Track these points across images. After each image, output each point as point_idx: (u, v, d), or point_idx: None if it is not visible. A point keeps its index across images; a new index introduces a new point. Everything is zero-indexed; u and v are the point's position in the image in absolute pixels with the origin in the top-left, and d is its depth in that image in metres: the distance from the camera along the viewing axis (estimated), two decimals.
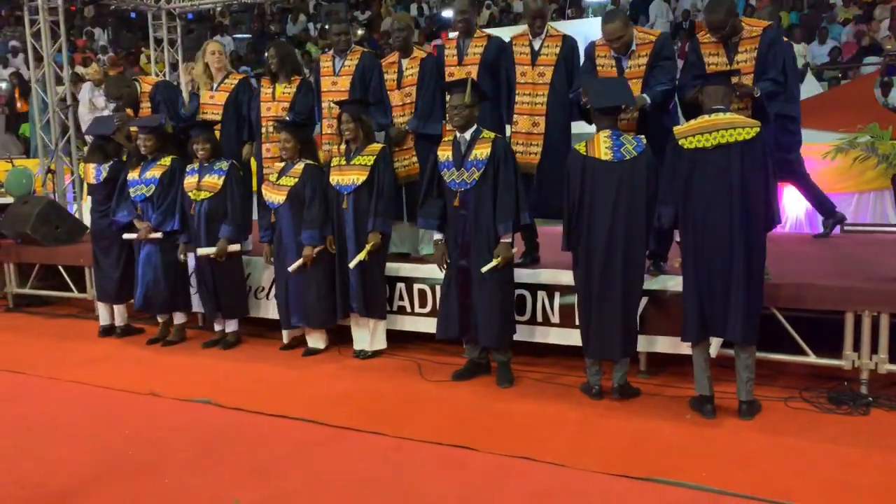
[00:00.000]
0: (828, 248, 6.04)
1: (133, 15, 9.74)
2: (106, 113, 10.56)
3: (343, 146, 5.37)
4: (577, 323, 4.77)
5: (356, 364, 5.39)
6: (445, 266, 4.88)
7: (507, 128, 5.45)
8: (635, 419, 4.21)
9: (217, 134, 6.02)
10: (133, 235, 5.90)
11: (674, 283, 4.77)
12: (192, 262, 5.98)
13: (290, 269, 5.44)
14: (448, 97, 4.84)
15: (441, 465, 3.67)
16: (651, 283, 4.78)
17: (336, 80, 5.78)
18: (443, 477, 3.56)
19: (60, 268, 7.23)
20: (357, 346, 5.56)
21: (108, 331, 6.39)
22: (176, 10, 9.94)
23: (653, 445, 3.86)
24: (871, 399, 4.35)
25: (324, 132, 5.84)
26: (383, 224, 5.26)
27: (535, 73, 5.13)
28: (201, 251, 5.62)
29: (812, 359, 4.61)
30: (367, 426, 4.15)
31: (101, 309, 6.43)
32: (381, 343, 5.52)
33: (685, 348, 4.72)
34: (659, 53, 4.79)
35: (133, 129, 6.14)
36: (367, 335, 5.51)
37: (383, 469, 3.66)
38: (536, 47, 5.15)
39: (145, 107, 6.40)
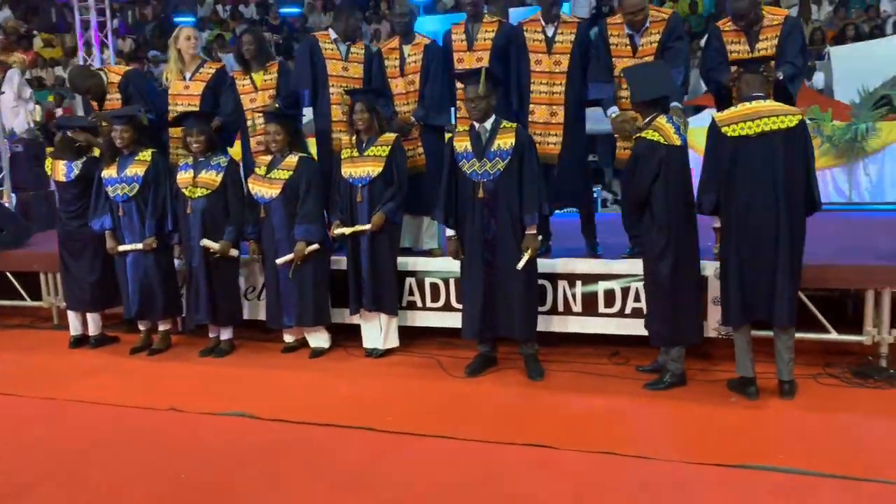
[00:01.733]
0: (810, 227, 6.29)
1: None
2: (32, 104, 9.78)
3: (352, 137, 5.14)
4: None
5: (373, 363, 5.21)
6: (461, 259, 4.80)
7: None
8: (686, 405, 4.24)
9: None
10: (133, 247, 5.41)
11: None
12: (177, 264, 5.68)
13: (278, 261, 5.19)
14: (462, 88, 4.73)
15: (531, 467, 3.57)
16: None
17: (347, 66, 5.54)
18: (540, 478, 3.46)
19: (9, 274, 6.59)
20: (367, 344, 5.36)
21: (80, 341, 5.89)
22: None
23: (718, 431, 3.90)
24: (892, 371, 4.58)
25: (334, 119, 5.57)
26: (395, 212, 5.10)
27: (552, 61, 5.05)
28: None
29: (834, 336, 4.81)
30: (430, 430, 3.99)
31: (73, 318, 5.90)
32: (393, 341, 5.35)
33: (709, 332, 4.88)
34: (672, 32, 4.85)
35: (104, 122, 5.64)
36: (378, 333, 5.32)
37: (473, 474, 3.53)
38: (550, 34, 5.07)
39: (114, 98, 5.87)
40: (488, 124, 4.65)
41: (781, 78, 4.59)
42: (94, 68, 6.26)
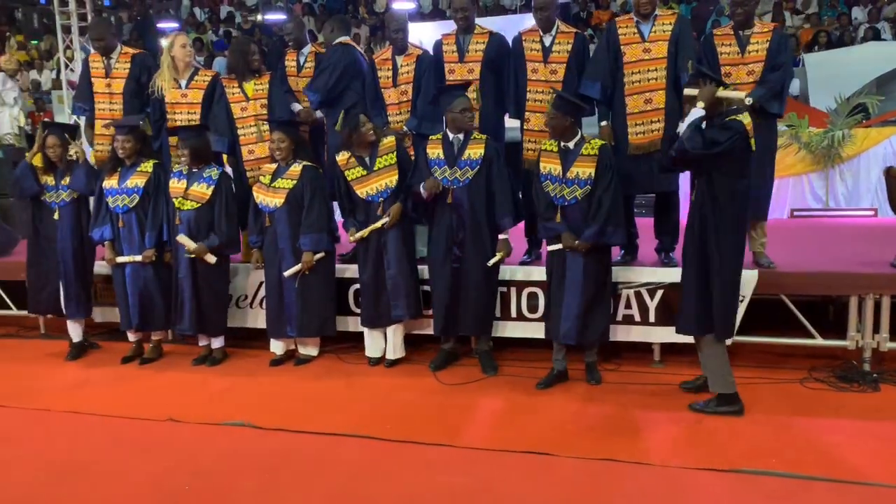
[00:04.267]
0: (791, 233, 6.47)
1: (43, 1, 8.82)
2: (17, 109, 9.67)
3: (349, 156, 5.15)
4: None
5: (367, 371, 5.25)
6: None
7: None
8: (672, 411, 4.33)
9: None
10: (131, 258, 5.38)
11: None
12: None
13: (286, 274, 5.20)
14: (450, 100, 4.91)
15: (528, 474, 3.63)
16: (671, 275, 4.95)
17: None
18: (537, 486, 3.53)
19: None
20: (371, 353, 5.37)
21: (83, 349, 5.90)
22: None
23: (710, 436, 4.00)
24: (876, 376, 4.72)
25: None
26: (406, 202, 5.15)
27: (548, 70, 5.13)
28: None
29: (819, 341, 4.93)
30: (427, 438, 4.05)
31: (74, 328, 5.85)
32: (401, 350, 5.35)
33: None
34: (683, 32, 4.93)
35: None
36: (382, 341, 5.35)
37: (471, 481, 3.59)
38: (547, 43, 5.15)
39: (122, 68, 5.95)
40: (461, 134, 4.93)
41: (750, 103, 4.68)
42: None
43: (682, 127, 4.10)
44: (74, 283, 5.64)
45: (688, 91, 4.16)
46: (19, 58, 15.10)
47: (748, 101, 4.64)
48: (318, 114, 5.87)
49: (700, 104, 4.04)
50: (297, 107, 5.83)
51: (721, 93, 4.09)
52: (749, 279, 4.79)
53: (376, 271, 5.16)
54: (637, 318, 5.02)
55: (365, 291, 5.25)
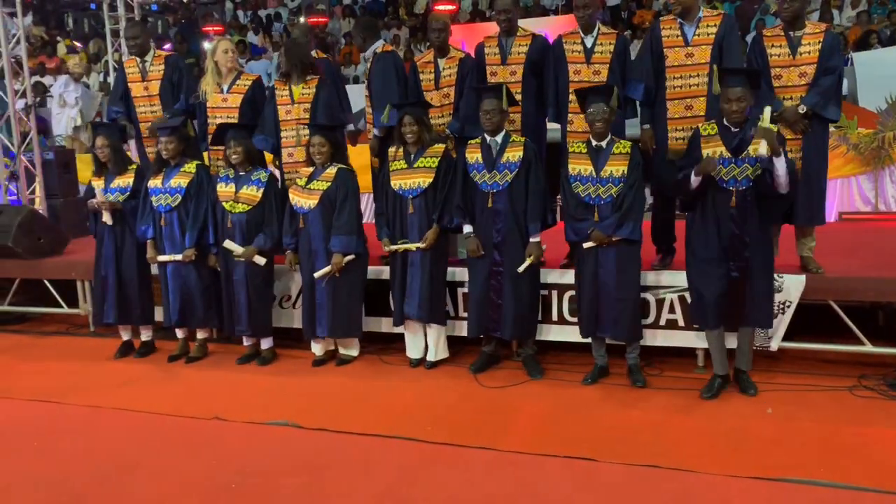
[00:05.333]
0: (839, 237, 6.33)
1: (93, 6, 9.08)
2: (74, 111, 9.93)
3: (399, 149, 5.22)
4: None
5: (409, 372, 5.27)
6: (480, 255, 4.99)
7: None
8: (720, 416, 4.28)
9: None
10: (172, 257, 5.48)
11: None
12: None
13: (316, 275, 5.26)
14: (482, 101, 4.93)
15: (571, 479, 3.63)
16: None
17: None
18: (579, 491, 3.52)
19: (46, 282, 6.71)
20: (412, 354, 5.40)
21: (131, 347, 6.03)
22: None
23: (756, 444, 3.93)
24: None
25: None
26: (449, 220, 5.14)
27: (591, 71, 5.09)
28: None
29: (869, 348, 4.83)
30: (469, 441, 4.06)
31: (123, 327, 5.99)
32: (443, 352, 5.36)
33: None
34: (730, 30, 4.85)
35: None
36: (423, 342, 5.38)
37: (512, 486, 3.59)
38: (589, 45, 5.11)
39: (156, 70, 6.09)
40: (499, 137, 4.95)
41: (804, 112, 4.63)
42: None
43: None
44: (112, 289, 5.73)
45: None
46: (79, 59, 15.49)
47: (801, 109, 4.61)
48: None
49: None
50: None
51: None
52: (796, 284, 4.74)
53: (405, 272, 5.20)
54: (680, 322, 4.97)
55: (395, 291, 5.30)
